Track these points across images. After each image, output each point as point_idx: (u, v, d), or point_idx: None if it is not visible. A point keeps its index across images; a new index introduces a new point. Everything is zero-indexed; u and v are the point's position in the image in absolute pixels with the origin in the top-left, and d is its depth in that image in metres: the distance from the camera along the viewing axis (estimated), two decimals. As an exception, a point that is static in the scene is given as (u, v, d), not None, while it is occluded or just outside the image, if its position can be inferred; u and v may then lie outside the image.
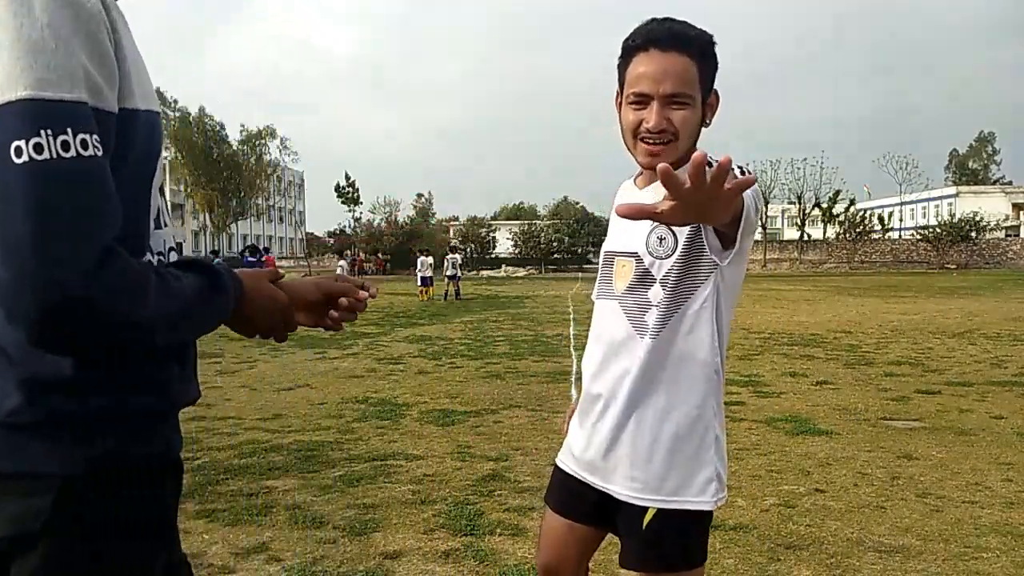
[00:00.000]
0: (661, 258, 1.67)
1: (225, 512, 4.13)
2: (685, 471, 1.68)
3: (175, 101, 55.03)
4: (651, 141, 1.63)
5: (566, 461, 1.90)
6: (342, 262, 18.44)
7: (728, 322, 1.73)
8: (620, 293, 1.74)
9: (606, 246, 1.85)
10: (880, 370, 9.05)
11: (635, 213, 1.15)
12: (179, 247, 1.16)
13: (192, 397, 1.15)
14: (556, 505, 1.91)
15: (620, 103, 1.71)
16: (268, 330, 1.17)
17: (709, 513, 1.72)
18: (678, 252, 1.65)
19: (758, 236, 65.99)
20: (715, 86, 1.69)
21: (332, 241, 65.03)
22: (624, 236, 1.76)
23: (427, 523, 4.00)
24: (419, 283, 25.04)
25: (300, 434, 6.03)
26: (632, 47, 1.65)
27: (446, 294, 25.02)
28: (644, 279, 1.70)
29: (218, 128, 55.61)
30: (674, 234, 1.65)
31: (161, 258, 1.06)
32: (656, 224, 1.64)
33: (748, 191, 1.37)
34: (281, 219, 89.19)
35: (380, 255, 58.74)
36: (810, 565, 3.45)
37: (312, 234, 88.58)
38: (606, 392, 1.75)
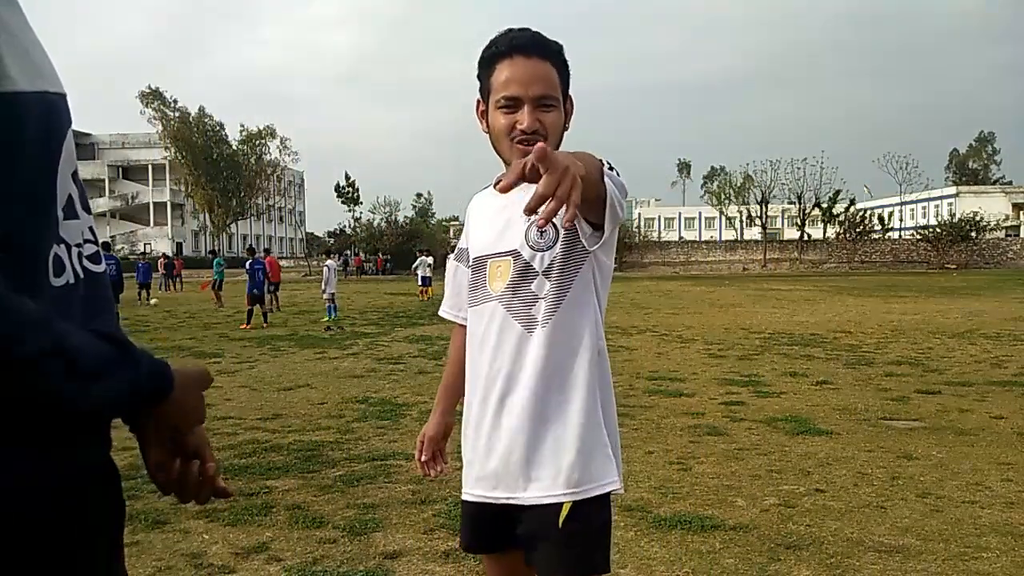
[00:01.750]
0: (543, 250, 1.68)
1: (225, 512, 4.13)
2: (586, 458, 1.65)
3: (175, 101, 55.11)
4: (526, 141, 1.65)
5: (470, 489, 1.77)
6: (329, 262, 18.31)
7: (605, 302, 1.77)
8: (499, 293, 1.71)
9: (475, 252, 1.80)
10: (880, 370, 9.05)
11: (514, 178, 1.21)
12: (101, 242, 1.00)
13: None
14: (470, 544, 1.81)
15: (484, 112, 1.74)
16: (195, 411, 1.01)
17: (610, 505, 1.69)
18: (560, 242, 1.66)
19: (758, 235, 65.99)
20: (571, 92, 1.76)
21: (332, 241, 65.01)
22: (496, 239, 1.75)
23: (427, 523, 4.00)
24: (419, 283, 25.07)
25: (300, 434, 6.03)
26: (495, 55, 1.69)
27: (446, 294, 25.00)
28: (526, 274, 1.68)
29: (218, 128, 55.61)
30: (555, 225, 1.65)
31: (79, 248, 0.96)
32: (534, 219, 1.59)
33: (611, 186, 1.51)
34: (281, 219, 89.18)
35: (380, 255, 58.75)
36: (810, 565, 3.45)
37: (312, 234, 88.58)
38: (496, 394, 1.69)
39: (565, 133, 1.76)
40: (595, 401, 1.69)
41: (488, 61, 1.71)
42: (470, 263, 1.82)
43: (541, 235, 1.68)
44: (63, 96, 0.95)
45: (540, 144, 1.16)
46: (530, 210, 1.17)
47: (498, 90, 1.68)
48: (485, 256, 1.77)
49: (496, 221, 1.77)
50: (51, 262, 0.89)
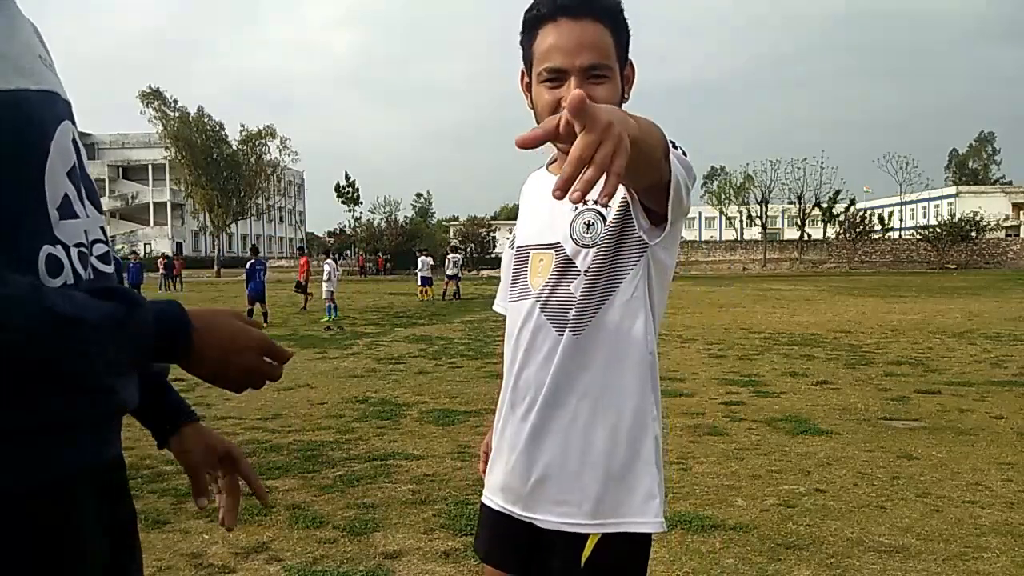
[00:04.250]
0: (588, 246, 1.46)
1: (225, 512, 4.13)
2: (622, 487, 1.45)
3: (175, 101, 55.03)
4: None
5: (488, 493, 1.62)
6: (329, 260, 18.27)
7: (661, 310, 1.54)
8: (537, 290, 1.51)
9: (520, 241, 1.62)
10: (880, 370, 9.05)
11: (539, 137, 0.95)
12: (108, 238, 0.99)
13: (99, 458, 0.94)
14: (487, 554, 1.63)
15: (528, 83, 1.51)
16: (239, 374, 0.99)
17: (650, 540, 1.49)
18: (608, 238, 1.45)
19: (758, 235, 65.91)
20: (630, 56, 1.51)
21: (332, 241, 65.11)
22: (541, 228, 1.56)
23: (427, 523, 4.00)
24: (419, 283, 25.07)
25: (300, 434, 6.04)
26: (538, 17, 1.44)
27: (445, 293, 25.04)
28: (567, 272, 1.48)
29: (217, 128, 55.59)
30: (603, 218, 1.46)
31: (82, 249, 0.93)
32: (582, 209, 1.48)
33: (677, 165, 1.24)
34: (281, 219, 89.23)
35: (380, 255, 58.81)
36: (810, 565, 3.45)
37: (312, 234, 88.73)
38: (525, 404, 1.52)
39: (624, 106, 1.51)
40: (641, 425, 1.48)
41: (530, 25, 1.47)
42: (515, 251, 1.63)
43: (588, 228, 1.47)
44: (51, 93, 0.92)
45: (577, 91, 0.89)
46: (562, 188, 0.87)
47: (540, 60, 1.44)
48: (528, 247, 1.58)
49: (543, 207, 1.57)
50: (43, 263, 0.86)
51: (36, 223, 0.87)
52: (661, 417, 1.53)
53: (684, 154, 1.34)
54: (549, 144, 1.48)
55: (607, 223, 1.45)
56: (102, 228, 0.99)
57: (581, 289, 1.47)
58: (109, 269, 0.99)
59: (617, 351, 1.47)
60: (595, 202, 0.94)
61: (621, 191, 1.36)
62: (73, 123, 0.95)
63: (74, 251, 0.91)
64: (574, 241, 1.47)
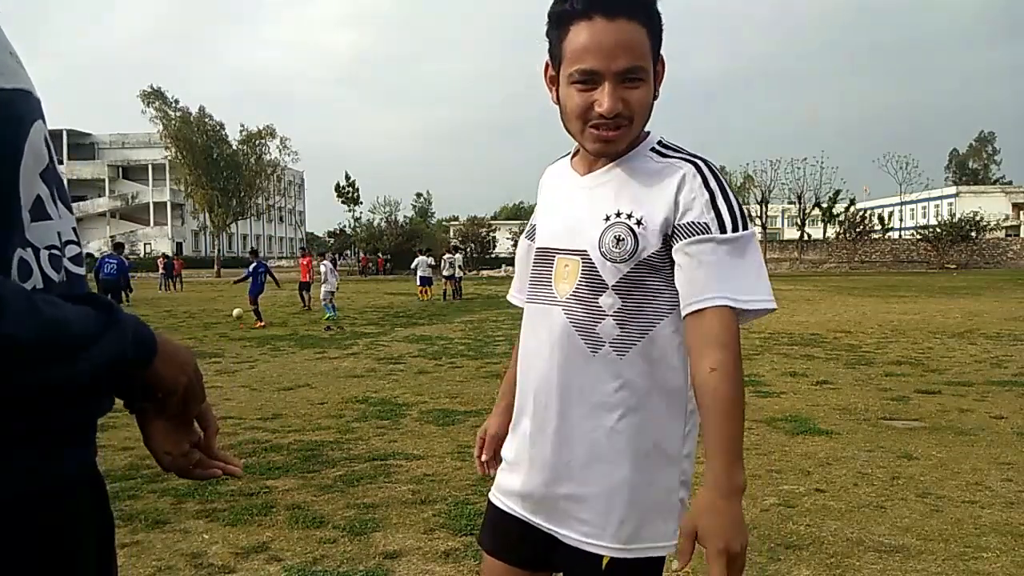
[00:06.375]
0: (616, 262, 1.40)
1: (225, 512, 4.13)
2: (646, 515, 1.43)
3: (176, 101, 54.99)
4: (604, 127, 1.38)
5: (501, 496, 1.60)
6: (326, 261, 18.34)
7: None
8: (564, 298, 1.45)
9: (542, 240, 1.55)
10: (880, 370, 9.05)
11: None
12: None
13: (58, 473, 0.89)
14: (493, 548, 1.62)
15: (554, 78, 1.43)
16: (176, 386, 0.96)
17: (663, 559, 1.48)
18: (639, 256, 1.39)
19: (758, 236, 66.00)
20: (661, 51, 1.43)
21: (332, 241, 65.12)
22: (568, 230, 1.49)
23: (427, 523, 4.00)
24: (419, 283, 25.07)
25: (300, 434, 6.04)
26: (570, 13, 1.36)
27: (445, 294, 25.04)
28: (593, 284, 1.43)
29: (218, 128, 55.58)
30: (635, 236, 1.40)
31: (55, 251, 0.90)
32: (614, 221, 1.41)
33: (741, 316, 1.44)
34: (281, 219, 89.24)
35: (380, 255, 58.83)
36: (810, 565, 3.45)
37: (312, 234, 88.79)
38: (552, 418, 1.46)
39: (655, 103, 1.44)
40: (670, 454, 1.45)
41: (560, 20, 1.38)
42: (536, 249, 1.57)
43: (617, 243, 1.41)
44: (24, 91, 0.89)
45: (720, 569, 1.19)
46: None
47: (572, 60, 1.36)
48: (553, 249, 1.51)
49: (569, 208, 1.51)
50: (16, 267, 0.84)
51: (10, 227, 0.84)
52: (695, 446, 1.49)
53: (745, 225, 1.38)
54: (569, 137, 1.52)
55: (640, 243, 1.40)
56: (74, 229, 0.97)
57: (613, 305, 1.42)
58: (81, 271, 0.97)
59: (650, 370, 1.42)
60: None
61: (647, 219, 1.41)
62: (44, 122, 0.93)
63: (44, 253, 0.88)
64: (602, 254, 1.42)
